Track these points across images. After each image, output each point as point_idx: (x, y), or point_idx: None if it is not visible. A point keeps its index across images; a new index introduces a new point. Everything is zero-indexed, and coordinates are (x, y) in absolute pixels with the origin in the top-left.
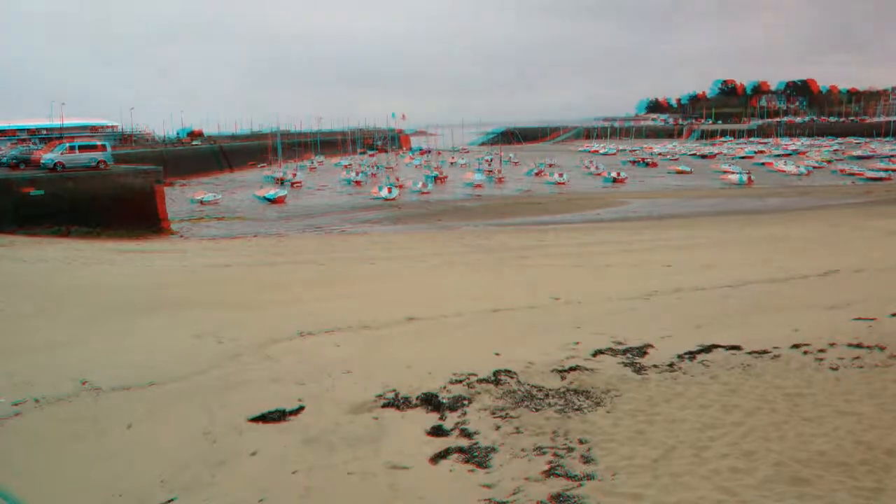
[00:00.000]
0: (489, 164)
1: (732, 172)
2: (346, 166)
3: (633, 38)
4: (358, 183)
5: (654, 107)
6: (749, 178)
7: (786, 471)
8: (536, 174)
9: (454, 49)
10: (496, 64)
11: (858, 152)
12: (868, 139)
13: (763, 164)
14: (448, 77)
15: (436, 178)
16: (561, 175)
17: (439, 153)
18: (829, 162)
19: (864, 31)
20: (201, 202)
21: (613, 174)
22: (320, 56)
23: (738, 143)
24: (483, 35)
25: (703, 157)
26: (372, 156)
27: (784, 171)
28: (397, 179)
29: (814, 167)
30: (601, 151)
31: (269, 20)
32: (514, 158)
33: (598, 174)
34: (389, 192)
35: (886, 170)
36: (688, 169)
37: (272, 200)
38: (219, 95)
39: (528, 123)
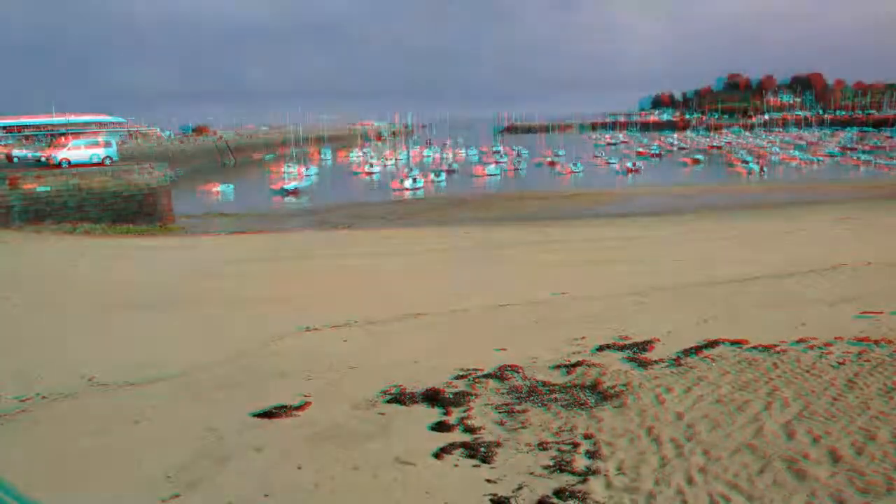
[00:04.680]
0: (500, 156)
1: (744, 162)
2: (358, 163)
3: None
4: (367, 173)
5: (658, 102)
6: (761, 169)
7: (795, 466)
8: (548, 164)
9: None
10: (496, 62)
11: (872, 143)
12: (877, 132)
13: (773, 154)
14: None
15: (445, 171)
16: (575, 164)
17: (446, 144)
18: (842, 154)
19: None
20: (209, 196)
21: (627, 164)
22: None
23: (747, 135)
24: (484, 37)
25: (713, 147)
26: (379, 139)
27: (795, 161)
28: (409, 171)
29: (825, 156)
30: (612, 142)
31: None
32: (523, 151)
33: (607, 163)
34: (414, 181)
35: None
36: (700, 157)
37: (283, 195)
38: (223, 93)
39: (534, 119)
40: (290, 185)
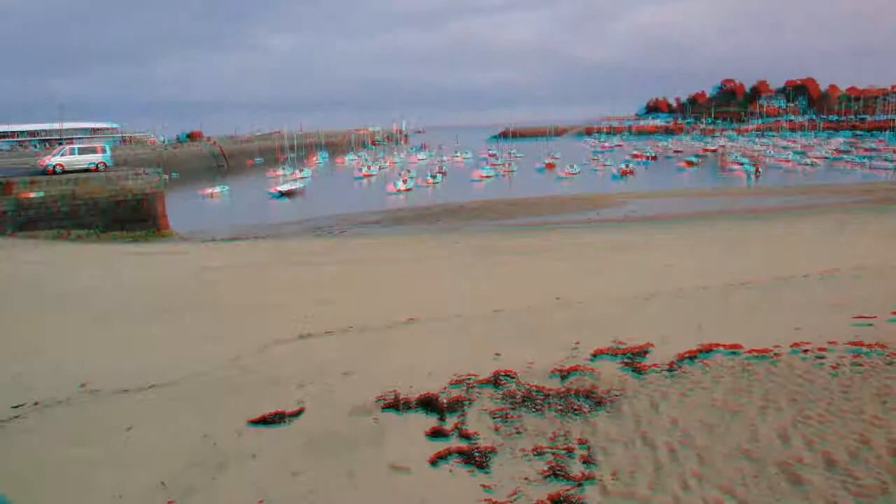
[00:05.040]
0: (496, 159)
1: (740, 164)
2: (355, 167)
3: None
4: (365, 175)
5: (654, 107)
6: (757, 171)
7: (789, 472)
8: (546, 166)
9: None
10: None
11: (866, 147)
12: (870, 137)
13: (768, 157)
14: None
15: (441, 174)
16: (572, 166)
17: (441, 147)
18: (836, 157)
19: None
20: (206, 198)
21: (622, 167)
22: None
23: (742, 139)
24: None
25: (707, 151)
26: (375, 144)
27: (790, 164)
28: (407, 172)
29: (819, 158)
30: (609, 146)
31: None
32: (518, 154)
33: (605, 166)
34: (405, 182)
35: (893, 161)
36: (694, 160)
37: (278, 198)
38: (219, 100)
39: (530, 124)
40: (285, 187)
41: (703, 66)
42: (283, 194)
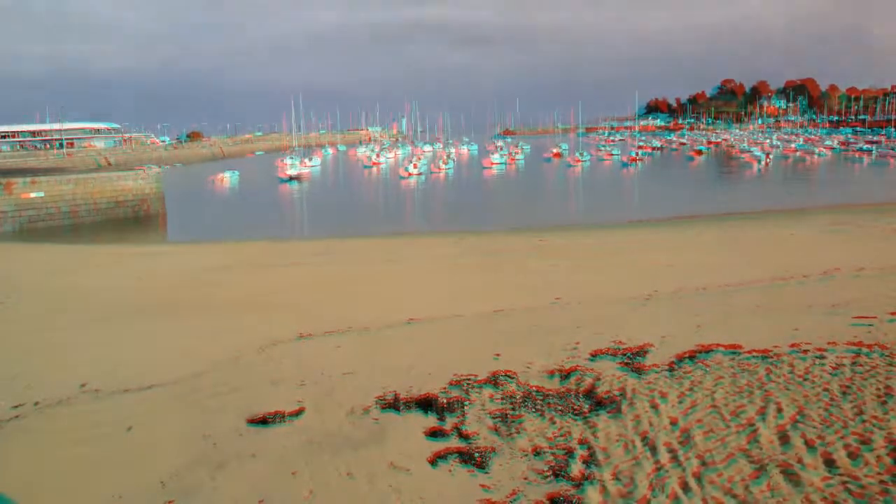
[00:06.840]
0: (502, 148)
1: (749, 151)
2: (367, 157)
3: (632, 39)
4: (374, 164)
5: (654, 107)
6: (767, 158)
7: (790, 472)
8: (553, 155)
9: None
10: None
11: (867, 140)
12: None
13: (775, 147)
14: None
15: (452, 160)
16: (582, 153)
17: (449, 141)
18: (843, 149)
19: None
20: (216, 184)
21: (630, 155)
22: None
23: (745, 134)
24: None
25: (711, 143)
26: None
27: (798, 153)
28: (418, 159)
29: (827, 148)
30: (613, 141)
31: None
32: (525, 146)
33: (611, 155)
34: (416, 167)
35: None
36: (704, 149)
37: (288, 182)
38: (218, 98)
39: (529, 124)
40: (294, 172)
41: (704, 66)
42: (292, 178)
